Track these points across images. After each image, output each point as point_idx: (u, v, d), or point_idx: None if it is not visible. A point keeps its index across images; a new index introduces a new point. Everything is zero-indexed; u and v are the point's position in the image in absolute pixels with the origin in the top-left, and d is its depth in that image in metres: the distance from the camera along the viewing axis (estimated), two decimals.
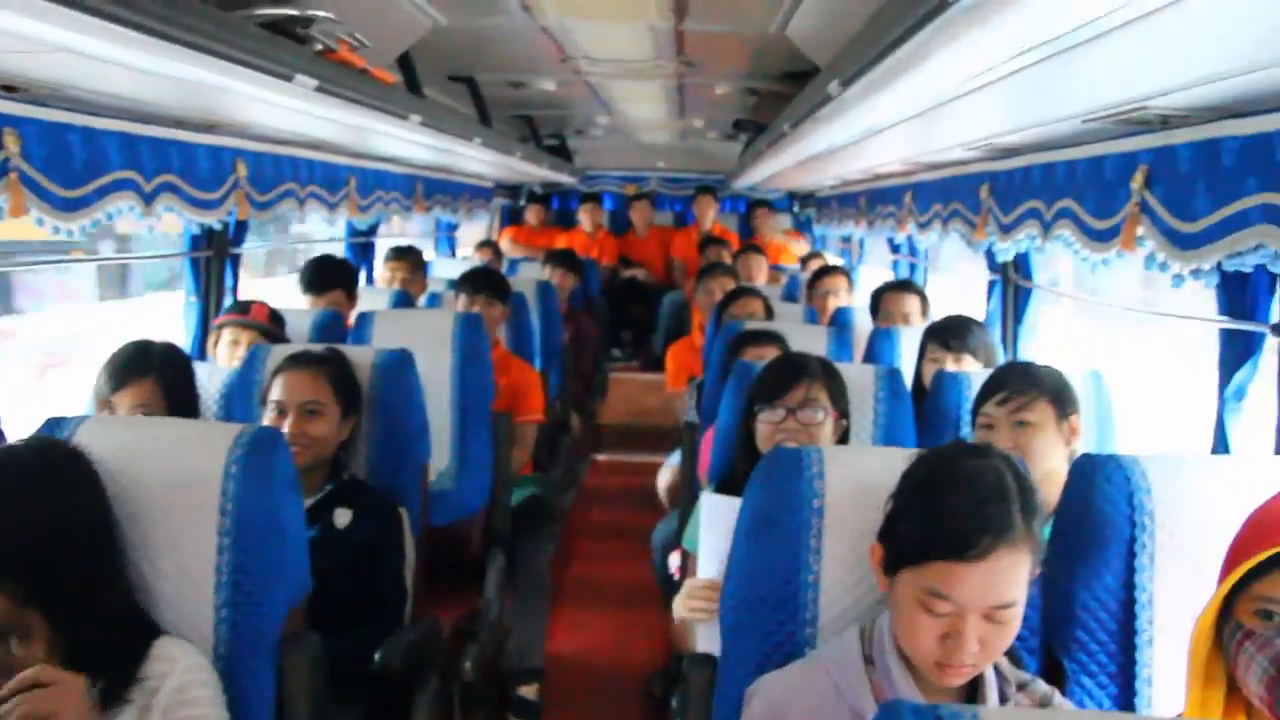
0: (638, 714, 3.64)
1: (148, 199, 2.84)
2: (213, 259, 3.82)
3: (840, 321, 4.27)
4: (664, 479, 4.54)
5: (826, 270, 5.22)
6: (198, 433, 1.93)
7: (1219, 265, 2.08)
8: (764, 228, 8.23)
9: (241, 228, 3.92)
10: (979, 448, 1.54)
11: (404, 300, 4.71)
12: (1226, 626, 1.41)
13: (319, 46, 2.49)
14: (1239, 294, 2.31)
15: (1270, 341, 2.26)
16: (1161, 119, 2.15)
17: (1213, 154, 2.06)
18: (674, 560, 3.10)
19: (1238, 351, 2.36)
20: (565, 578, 4.86)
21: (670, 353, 5.26)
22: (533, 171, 6.84)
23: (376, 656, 2.30)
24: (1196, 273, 2.16)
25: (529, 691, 3.59)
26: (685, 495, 3.37)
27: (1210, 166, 2.06)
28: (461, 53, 4.42)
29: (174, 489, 1.82)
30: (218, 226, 3.61)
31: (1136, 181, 2.34)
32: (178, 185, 2.99)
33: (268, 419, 2.48)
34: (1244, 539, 1.43)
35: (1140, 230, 2.33)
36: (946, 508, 1.45)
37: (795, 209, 9.12)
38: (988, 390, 2.39)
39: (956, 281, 5.58)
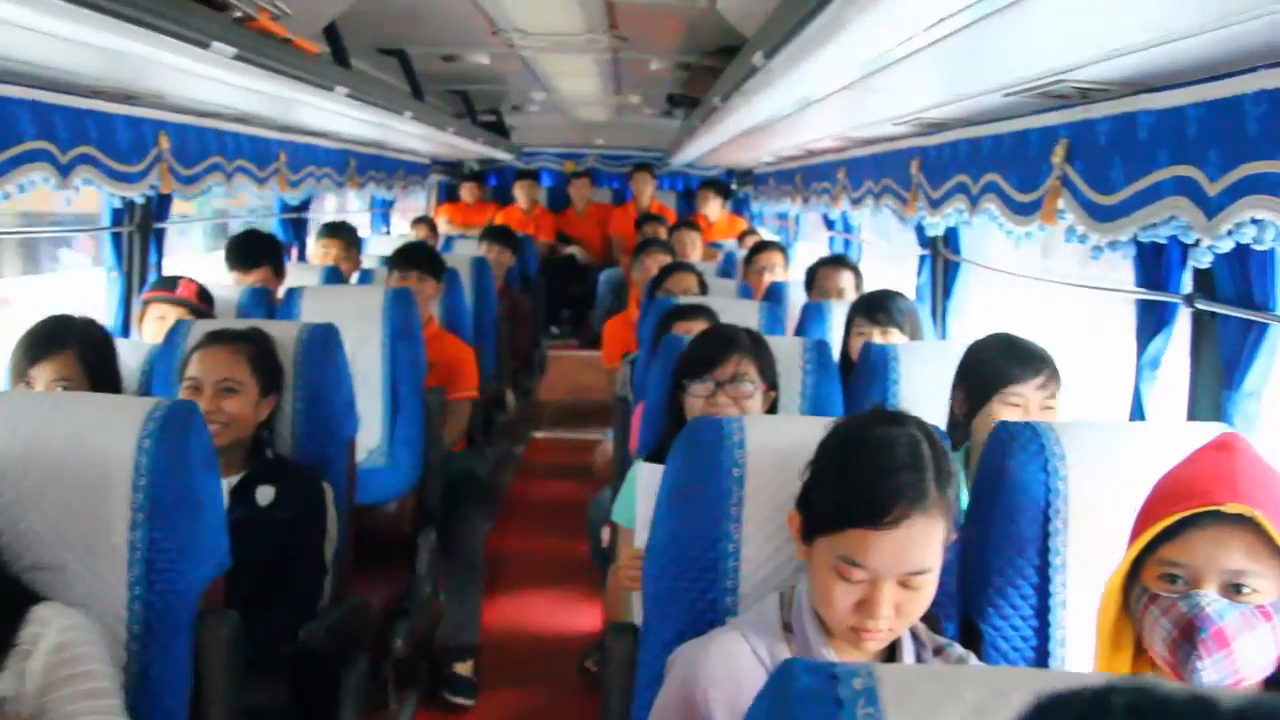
0: (574, 688, 3.64)
1: (63, 171, 2.76)
2: (135, 233, 3.74)
3: (774, 296, 4.28)
4: (601, 455, 4.54)
5: (762, 246, 5.23)
6: (110, 407, 1.89)
7: (1135, 237, 2.11)
8: (706, 206, 8.24)
9: (165, 201, 3.84)
10: (895, 415, 1.55)
11: (335, 277, 4.64)
12: (1134, 590, 1.44)
13: (237, 14, 2.43)
14: (1154, 265, 2.36)
15: (1183, 311, 2.31)
16: (1080, 92, 2.18)
17: (1128, 128, 2.09)
18: (605, 534, 3.11)
19: (1153, 322, 2.41)
20: (502, 554, 4.84)
21: (606, 329, 5.25)
22: (468, 147, 6.77)
23: (301, 634, 2.27)
24: (1114, 244, 2.20)
25: (464, 668, 3.58)
26: (616, 469, 3.37)
27: (1126, 140, 2.10)
28: (391, 24, 4.36)
29: (85, 464, 1.78)
30: (140, 200, 3.54)
31: (1058, 155, 2.37)
32: (96, 157, 2.91)
33: (183, 396, 2.43)
34: (1151, 504, 1.46)
35: (1060, 203, 2.36)
36: (860, 475, 1.45)
37: (734, 186, 9.13)
38: (1017, 370, 2.25)
39: (890, 257, 5.63)
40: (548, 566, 4.71)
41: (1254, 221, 1.74)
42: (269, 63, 2.57)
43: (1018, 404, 2.24)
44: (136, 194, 3.22)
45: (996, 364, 2.28)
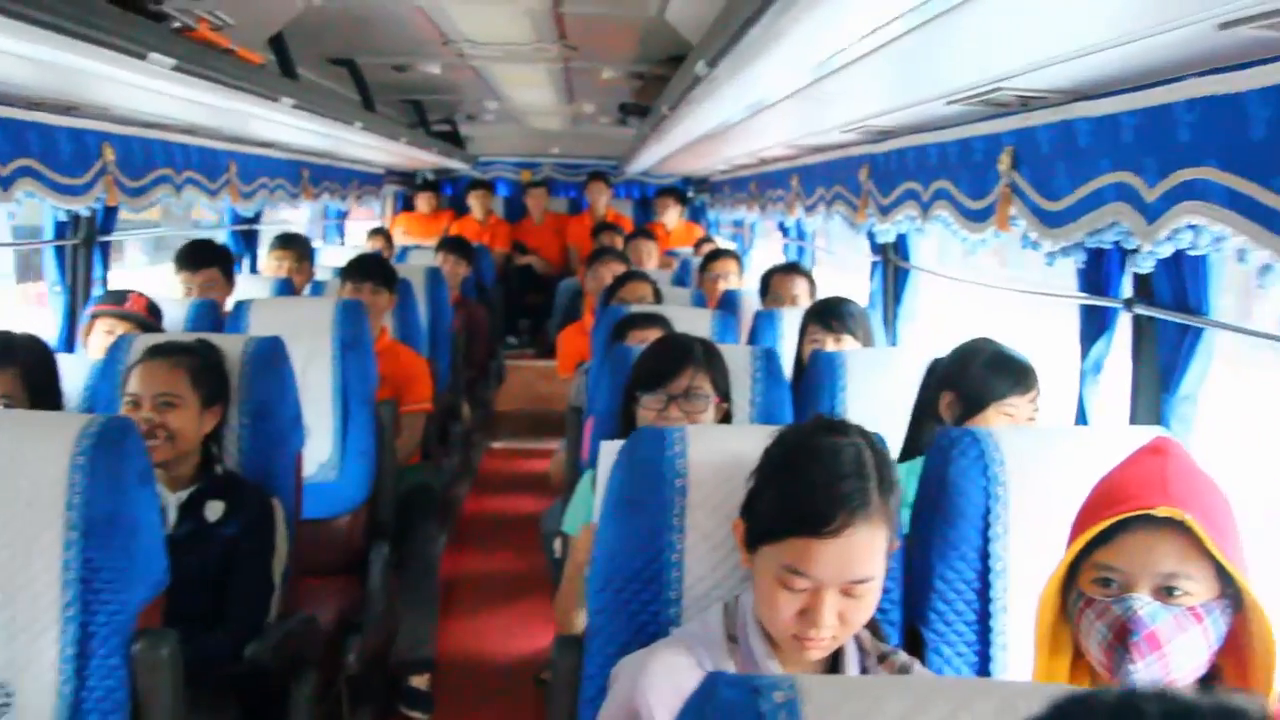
0: (530, 701, 3.62)
1: (3, 184, 2.72)
2: (80, 247, 3.68)
3: (727, 304, 4.29)
4: (557, 465, 4.52)
5: (717, 254, 5.23)
6: (43, 424, 1.86)
7: (1083, 243, 2.13)
8: (665, 214, 8.25)
9: (111, 214, 3.79)
10: (838, 424, 1.55)
11: (286, 289, 4.59)
12: (1070, 595, 1.45)
13: (177, 25, 2.40)
14: (1095, 270, 2.38)
15: (1124, 316, 2.34)
16: (1020, 100, 2.20)
17: (1068, 135, 2.11)
18: (557, 545, 3.09)
19: (1095, 326, 2.43)
20: (459, 566, 4.81)
21: (561, 338, 5.22)
22: (422, 157, 6.74)
23: (246, 653, 2.24)
24: (1067, 250, 2.22)
25: (420, 682, 3.55)
26: (568, 480, 3.36)
27: (1068, 147, 2.12)
28: (340, 35, 4.33)
29: (17, 483, 1.74)
30: (85, 213, 3.49)
31: (1004, 163, 2.39)
32: (37, 170, 2.87)
33: (124, 412, 2.39)
34: (1085, 509, 1.47)
35: (1012, 210, 2.38)
36: (803, 484, 1.45)
37: (690, 194, 9.16)
38: (1014, 385, 2.26)
39: (843, 265, 5.66)
40: (504, 578, 4.68)
41: (1190, 227, 1.76)
42: (210, 73, 2.54)
43: (1011, 414, 2.25)
44: (81, 206, 3.17)
45: (992, 377, 2.28)
